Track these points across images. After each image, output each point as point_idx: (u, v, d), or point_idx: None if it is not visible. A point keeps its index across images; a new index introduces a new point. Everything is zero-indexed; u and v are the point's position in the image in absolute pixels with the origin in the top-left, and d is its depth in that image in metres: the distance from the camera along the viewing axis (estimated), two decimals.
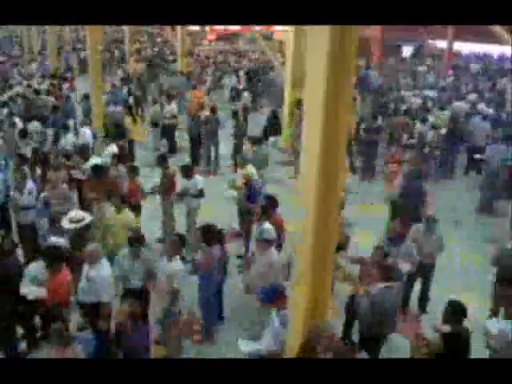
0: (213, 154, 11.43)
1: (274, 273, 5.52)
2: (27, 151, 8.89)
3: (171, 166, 8.09)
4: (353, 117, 11.35)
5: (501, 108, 13.74)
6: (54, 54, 19.09)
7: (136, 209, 7.16)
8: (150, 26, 32.30)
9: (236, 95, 16.40)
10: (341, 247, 5.61)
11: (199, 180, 7.61)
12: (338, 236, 4.55)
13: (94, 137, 10.31)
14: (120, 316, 4.55)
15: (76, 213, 6.20)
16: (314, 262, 4.08)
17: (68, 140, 9.65)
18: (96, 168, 7.60)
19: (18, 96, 13.15)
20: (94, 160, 8.22)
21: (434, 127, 11.00)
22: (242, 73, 19.09)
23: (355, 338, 5.33)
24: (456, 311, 4.36)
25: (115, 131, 10.38)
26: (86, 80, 12.98)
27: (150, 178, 8.89)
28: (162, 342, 5.42)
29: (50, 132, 10.44)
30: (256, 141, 9.45)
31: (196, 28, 23.86)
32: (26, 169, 7.59)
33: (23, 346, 5.42)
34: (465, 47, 26.78)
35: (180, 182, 7.69)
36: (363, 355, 4.94)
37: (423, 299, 6.31)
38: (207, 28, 22.90)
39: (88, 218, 6.12)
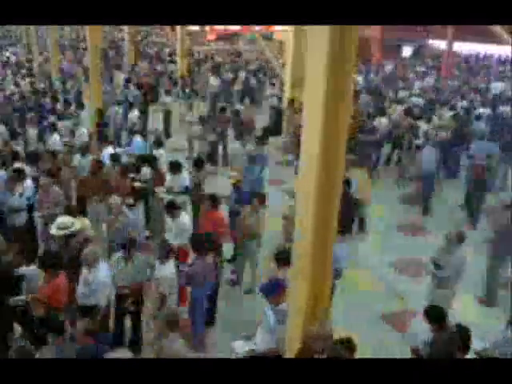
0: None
1: None
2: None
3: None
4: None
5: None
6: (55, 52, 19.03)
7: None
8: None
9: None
10: None
11: (186, 177, 7.59)
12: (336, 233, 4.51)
13: (90, 137, 10.32)
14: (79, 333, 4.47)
15: (64, 219, 6.01)
16: (313, 259, 4.08)
17: (55, 139, 9.70)
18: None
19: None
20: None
21: (440, 127, 11.03)
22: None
23: None
24: (433, 318, 4.43)
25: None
26: None
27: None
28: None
29: (33, 132, 10.49)
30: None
31: (196, 28, 23.82)
32: (26, 167, 7.56)
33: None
34: (465, 47, 26.76)
35: (167, 179, 7.72)
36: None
37: None
38: (207, 28, 22.89)
39: (77, 224, 5.95)
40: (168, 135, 13.19)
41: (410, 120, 11.63)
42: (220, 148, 11.61)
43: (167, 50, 25.50)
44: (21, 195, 6.97)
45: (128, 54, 20.55)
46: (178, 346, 4.34)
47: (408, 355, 4.65)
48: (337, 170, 3.95)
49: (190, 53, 22.58)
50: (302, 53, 11.15)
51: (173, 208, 6.37)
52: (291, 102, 11.88)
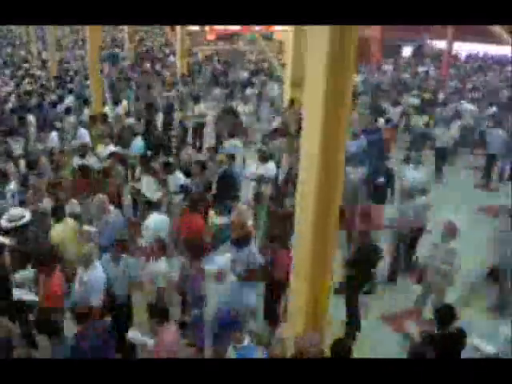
0: None
1: None
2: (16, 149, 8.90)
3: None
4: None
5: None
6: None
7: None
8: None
9: None
10: None
11: (180, 176, 7.61)
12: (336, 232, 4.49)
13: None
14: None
15: (15, 211, 5.89)
16: (313, 259, 4.08)
17: (52, 139, 9.67)
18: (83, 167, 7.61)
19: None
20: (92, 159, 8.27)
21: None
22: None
23: None
24: (443, 318, 4.43)
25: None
26: None
27: None
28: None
29: (33, 130, 10.48)
30: None
31: (196, 28, 23.80)
32: (11, 168, 7.50)
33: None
34: (465, 47, 26.77)
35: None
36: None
37: None
38: (207, 28, 22.86)
39: (28, 215, 5.85)
40: None
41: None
42: None
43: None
44: (12, 196, 6.87)
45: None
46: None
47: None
48: (337, 170, 3.95)
49: (189, 53, 22.58)
50: (301, 53, 11.16)
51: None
52: (291, 102, 11.85)
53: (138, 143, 9.53)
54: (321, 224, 3.99)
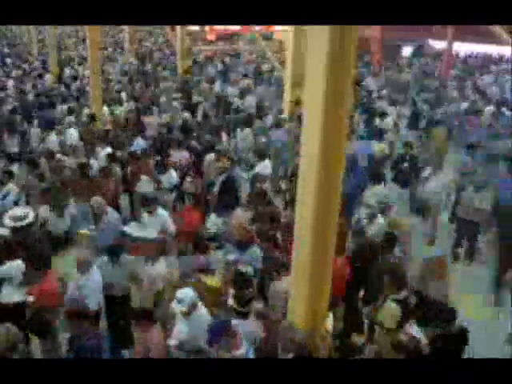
0: None
1: None
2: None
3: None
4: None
5: None
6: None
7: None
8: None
9: None
10: None
11: (173, 175, 7.60)
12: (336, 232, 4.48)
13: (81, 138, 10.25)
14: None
15: (19, 210, 5.80)
16: (313, 260, 4.08)
17: (51, 140, 9.66)
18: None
19: None
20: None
21: None
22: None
23: None
24: (442, 316, 4.44)
25: None
26: None
27: None
28: None
29: (35, 131, 10.46)
30: None
31: (196, 28, 23.82)
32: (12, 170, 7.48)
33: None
34: (464, 47, 26.75)
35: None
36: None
37: None
38: (207, 28, 22.87)
39: (31, 215, 5.78)
40: None
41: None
42: None
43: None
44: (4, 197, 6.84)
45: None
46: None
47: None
48: (337, 170, 3.95)
49: (189, 53, 22.58)
50: (301, 53, 11.16)
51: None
52: (296, 103, 11.72)
53: (139, 142, 9.54)
54: (321, 224, 3.98)
